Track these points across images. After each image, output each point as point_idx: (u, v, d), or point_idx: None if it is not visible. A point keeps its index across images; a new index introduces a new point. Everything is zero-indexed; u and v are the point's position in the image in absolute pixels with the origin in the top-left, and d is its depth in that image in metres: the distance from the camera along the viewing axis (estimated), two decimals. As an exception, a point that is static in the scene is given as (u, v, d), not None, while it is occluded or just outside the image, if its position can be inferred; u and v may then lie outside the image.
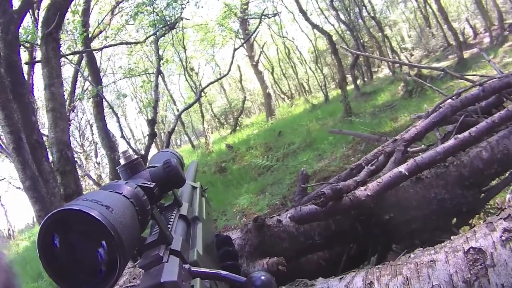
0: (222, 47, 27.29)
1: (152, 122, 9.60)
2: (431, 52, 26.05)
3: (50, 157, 6.24)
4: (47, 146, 6.13)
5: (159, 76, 12.21)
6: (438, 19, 24.50)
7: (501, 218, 1.67)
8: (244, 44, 22.54)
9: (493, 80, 3.93)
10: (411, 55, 28.11)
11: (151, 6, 12.01)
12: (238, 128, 26.92)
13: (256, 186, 10.00)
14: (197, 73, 28.56)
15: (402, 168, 2.83)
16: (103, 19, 14.63)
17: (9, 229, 25.00)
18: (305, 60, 33.07)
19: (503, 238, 1.59)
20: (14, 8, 6.25)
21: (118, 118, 12.48)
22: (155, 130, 10.39)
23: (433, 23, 27.67)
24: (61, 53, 8.42)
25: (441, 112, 3.82)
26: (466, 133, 3.03)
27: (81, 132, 25.87)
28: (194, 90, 23.49)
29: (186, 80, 23.31)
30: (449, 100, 4.08)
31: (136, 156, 1.13)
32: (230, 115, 36.20)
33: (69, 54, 11.59)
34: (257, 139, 16.50)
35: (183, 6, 12.88)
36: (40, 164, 5.45)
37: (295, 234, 2.88)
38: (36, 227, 23.52)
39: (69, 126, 7.55)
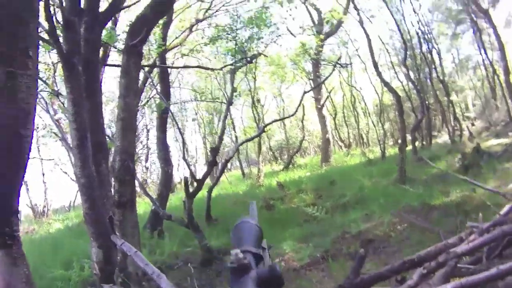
0: (291, 84, 27.49)
1: (215, 151, 9.70)
2: (493, 125, 25.14)
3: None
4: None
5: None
6: (504, 91, 24.25)
7: None
8: (312, 85, 22.55)
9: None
10: (473, 125, 27.29)
11: (232, 35, 12.23)
12: (291, 166, 26.80)
13: (300, 232, 9.96)
14: (262, 105, 28.91)
15: (449, 286, 2.99)
16: (181, 34, 14.90)
17: (44, 206, 25.53)
18: (368, 112, 32.66)
19: None
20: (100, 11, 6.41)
21: (184, 141, 12.72)
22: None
23: (499, 95, 27.10)
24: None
25: (493, 234, 3.84)
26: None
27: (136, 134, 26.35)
28: (257, 121, 23.62)
29: (253, 112, 23.32)
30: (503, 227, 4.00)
31: (245, 261, 1.15)
32: (286, 151, 36.28)
33: (147, 66, 11.83)
34: (309, 183, 16.20)
35: (266, 43, 13.07)
36: (99, 165, 5.56)
37: None
38: (72, 212, 24.20)
39: (135, 138, 7.68)
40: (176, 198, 17.79)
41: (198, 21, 14.93)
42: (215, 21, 15.71)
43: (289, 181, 18.63)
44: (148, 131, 27.77)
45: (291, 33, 19.80)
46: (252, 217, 1.49)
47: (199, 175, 12.79)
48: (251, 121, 31.28)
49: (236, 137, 29.15)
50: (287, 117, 24.49)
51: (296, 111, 17.86)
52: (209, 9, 14.69)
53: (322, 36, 21.03)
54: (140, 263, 4.04)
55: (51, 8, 5.56)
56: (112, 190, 6.17)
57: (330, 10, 22.01)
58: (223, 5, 14.72)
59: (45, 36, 6.58)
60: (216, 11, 14.84)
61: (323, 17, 25.25)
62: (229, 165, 41.66)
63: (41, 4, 5.97)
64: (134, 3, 9.85)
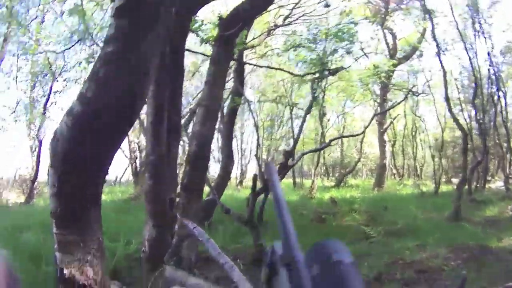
0: (357, 104, 27.36)
1: (289, 154, 9.81)
2: None
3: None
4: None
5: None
6: None
7: None
8: (379, 109, 22.40)
9: None
10: None
11: (315, 44, 12.31)
12: (342, 184, 26.93)
13: (353, 250, 9.80)
14: (328, 120, 28.94)
15: None
16: (259, 35, 15.08)
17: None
18: (429, 145, 32.09)
19: None
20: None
21: (258, 138, 12.86)
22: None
23: None
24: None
25: None
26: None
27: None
28: (319, 134, 23.71)
29: (321, 124, 23.39)
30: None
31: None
32: (338, 169, 36.08)
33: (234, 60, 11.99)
34: (361, 204, 16.26)
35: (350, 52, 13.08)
36: (171, 146, 5.71)
37: None
38: (117, 187, 25.27)
39: (215, 127, 7.80)
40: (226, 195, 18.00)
41: (276, 26, 15.16)
42: (293, 28, 15.99)
43: (341, 198, 18.67)
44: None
45: (365, 54, 19.72)
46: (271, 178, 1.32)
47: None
48: (311, 133, 31.33)
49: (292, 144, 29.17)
50: (354, 135, 24.47)
51: (364, 131, 18.59)
52: (288, 16, 14.85)
53: (395, 62, 20.93)
54: (212, 251, 4.12)
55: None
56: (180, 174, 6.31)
57: (406, 36, 22.00)
58: (303, 15, 14.97)
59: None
60: (296, 19, 15.02)
61: (397, 43, 25.22)
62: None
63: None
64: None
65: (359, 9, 15.10)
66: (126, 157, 25.39)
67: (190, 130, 11.34)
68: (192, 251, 5.92)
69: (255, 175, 9.47)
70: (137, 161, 23.60)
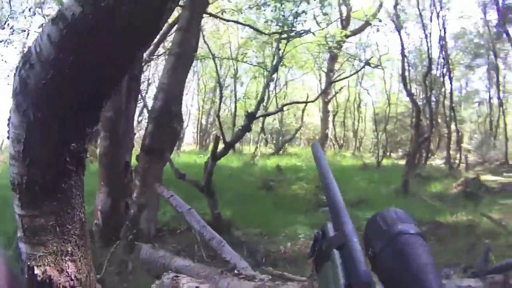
0: (307, 72, 27.31)
1: (252, 116, 9.08)
2: (487, 162, 25.33)
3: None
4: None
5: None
6: (507, 134, 25.19)
7: None
8: (324, 79, 22.50)
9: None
10: (467, 157, 27.58)
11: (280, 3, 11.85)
12: (281, 152, 27.04)
13: (309, 220, 9.94)
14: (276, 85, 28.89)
15: None
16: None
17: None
18: (373, 119, 32.62)
19: None
20: None
21: (221, 95, 12.38)
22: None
23: (499, 135, 27.90)
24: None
25: None
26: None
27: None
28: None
29: (267, 88, 23.01)
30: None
31: None
32: (276, 136, 36.17)
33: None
34: (307, 173, 16.08)
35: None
36: (128, 100, 5.00)
37: None
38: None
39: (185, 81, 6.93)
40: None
41: None
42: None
43: (285, 166, 18.62)
44: (148, 82, 26.69)
45: (317, 23, 19.40)
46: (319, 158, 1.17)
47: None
48: (251, 97, 31.09)
49: (235, 107, 28.99)
50: (307, 102, 24.15)
51: (317, 98, 18.91)
52: None
53: (347, 32, 20.64)
54: (195, 224, 3.46)
55: None
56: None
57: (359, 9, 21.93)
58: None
59: None
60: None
61: (351, 15, 25.18)
62: (213, 139, 41.62)
63: None
64: None
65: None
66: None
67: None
68: (151, 223, 5.20)
69: (217, 137, 8.74)
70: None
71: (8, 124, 1.69)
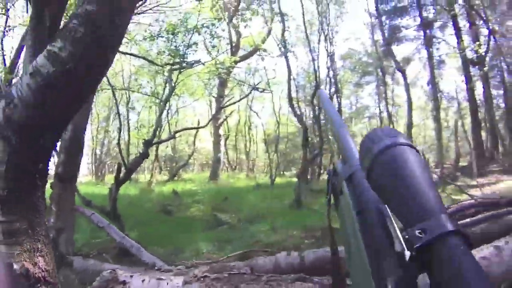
0: (198, 99, 27.67)
1: (148, 143, 9.53)
2: None
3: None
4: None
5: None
6: None
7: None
8: (214, 105, 23.02)
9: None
10: None
11: (173, 36, 12.20)
12: (176, 178, 27.27)
13: (210, 237, 10.18)
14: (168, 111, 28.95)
15: None
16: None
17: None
18: (264, 140, 33.38)
19: None
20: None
21: (121, 125, 12.51)
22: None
23: None
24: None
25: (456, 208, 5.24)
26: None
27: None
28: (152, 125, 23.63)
29: (160, 116, 23.06)
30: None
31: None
32: (170, 163, 36.15)
33: None
34: (202, 196, 16.65)
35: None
36: None
37: None
38: None
39: (89, 113, 7.30)
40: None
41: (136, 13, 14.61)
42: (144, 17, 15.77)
43: (181, 191, 18.90)
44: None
45: (207, 49, 19.92)
46: (325, 102, 1.27)
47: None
48: (144, 126, 30.96)
49: (129, 136, 28.73)
50: (198, 128, 24.41)
51: (208, 123, 18.96)
52: (141, 5, 14.57)
53: (237, 58, 21.49)
54: (115, 236, 3.91)
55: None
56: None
57: (248, 35, 22.74)
58: (158, 5, 14.69)
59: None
60: (151, 8, 14.72)
61: (241, 41, 25.93)
62: (108, 169, 40.70)
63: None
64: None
65: (208, 3, 15.17)
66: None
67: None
68: (69, 245, 5.50)
69: (119, 163, 9.18)
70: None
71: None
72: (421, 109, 35.16)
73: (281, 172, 31.10)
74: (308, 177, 23.11)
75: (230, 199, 16.34)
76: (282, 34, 22.18)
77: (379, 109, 33.10)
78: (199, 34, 12.34)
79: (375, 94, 34.64)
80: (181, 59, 11.91)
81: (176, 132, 15.01)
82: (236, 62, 20.80)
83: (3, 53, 10.46)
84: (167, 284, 2.26)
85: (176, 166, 32.29)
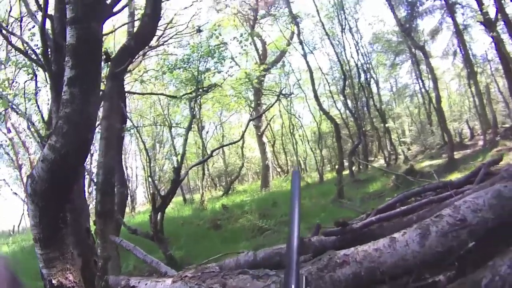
0: (233, 113, 28.17)
1: (178, 170, 10.55)
2: (428, 148, 26.63)
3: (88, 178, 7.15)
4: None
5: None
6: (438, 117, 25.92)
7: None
8: (254, 114, 23.51)
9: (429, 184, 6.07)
10: (409, 149, 28.96)
11: (189, 65, 12.95)
12: (230, 192, 27.49)
13: (251, 245, 10.58)
14: (207, 132, 29.72)
15: (374, 218, 4.67)
16: (135, 60, 15.58)
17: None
18: (307, 139, 33.87)
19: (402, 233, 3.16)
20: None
21: (149, 158, 13.35)
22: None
23: (435, 120, 28.56)
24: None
25: (398, 197, 5.84)
26: (408, 206, 4.94)
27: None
28: (201, 147, 24.44)
29: (201, 137, 24.01)
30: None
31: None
32: (225, 177, 36.91)
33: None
34: (251, 205, 17.15)
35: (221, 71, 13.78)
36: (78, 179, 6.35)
37: (318, 247, 4.41)
38: (18, 236, 23.90)
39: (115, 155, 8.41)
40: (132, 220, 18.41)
41: (151, 47, 15.39)
42: (167, 48, 16.61)
43: (231, 204, 19.52)
44: (91, 155, 27.73)
45: (236, 63, 20.77)
46: (294, 185, 1.45)
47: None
48: (191, 147, 31.91)
49: (177, 161, 29.61)
50: (233, 143, 25.25)
51: (242, 137, 18.83)
52: (161, 36, 15.34)
53: (265, 66, 22.03)
54: (139, 255, 4.96)
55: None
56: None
57: (274, 41, 23.35)
58: (176, 34, 15.62)
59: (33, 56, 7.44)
60: (168, 39, 15.69)
61: (267, 48, 26.55)
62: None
63: (36, 27, 6.76)
64: (112, 32, 10.58)
65: (229, 19, 15.79)
66: (23, 200, 24.69)
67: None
68: (115, 272, 6.53)
69: (153, 193, 10.17)
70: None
71: (28, 210, 3.45)
72: (458, 77, 34.48)
73: (334, 167, 30.57)
74: (354, 168, 23.60)
75: (279, 203, 16.68)
76: (298, 36, 22.65)
77: (419, 86, 32.35)
78: (213, 58, 12.83)
79: (412, 71, 34.11)
80: (196, 87, 12.66)
81: (213, 150, 15.59)
82: (265, 69, 21.51)
83: (40, 110, 11.97)
84: (161, 284, 3.26)
85: (230, 180, 32.56)
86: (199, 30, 13.84)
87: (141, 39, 7.80)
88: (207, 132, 30.05)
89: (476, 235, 3.20)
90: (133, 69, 15.17)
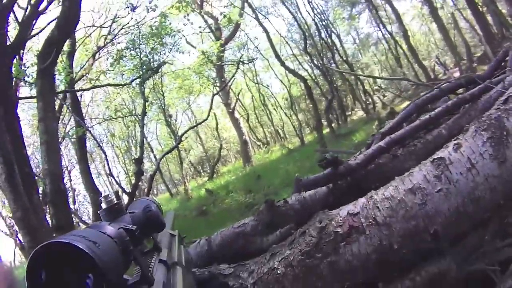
0: (198, 95, 27.50)
1: (139, 161, 9.75)
2: (403, 91, 26.37)
3: (41, 189, 6.36)
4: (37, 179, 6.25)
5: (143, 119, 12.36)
6: (409, 58, 26.35)
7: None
8: (220, 92, 23.12)
9: (447, 83, 4.79)
10: (384, 96, 28.70)
11: (135, 50, 12.27)
12: (215, 175, 26.95)
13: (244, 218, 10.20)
14: (175, 120, 28.95)
15: (381, 143, 3.60)
16: (86, 63, 14.89)
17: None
18: (280, 106, 33.24)
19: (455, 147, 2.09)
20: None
21: (105, 154, 12.68)
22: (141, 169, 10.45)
23: (404, 63, 28.94)
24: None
25: (407, 110, 4.55)
26: (426, 116, 3.81)
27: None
28: (172, 137, 23.79)
29: (168, 125, 23.30)
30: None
31: (117, 201, 1.18)
32: (207, 163, 36.30)
33: (59, 92, 11.48)
34: (236, 183, 16.88)
35: (168, 51, 13.14)
36: (31, 196, 5.53)
37: (300, 210, 3.23)
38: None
39: (61, 159, 7.62)
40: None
41: (99, 48, 15.08)
42: (119, 45, 15.73)
43: (216, 187, 19.07)
44: (69, 172, 26.78)
45: (191, 45, 19.99)
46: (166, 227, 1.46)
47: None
48: (167, 139, 31.15)
49: (155, 157, 28.99)
50: (201, 123, 24.47)
51: (209, 115, 18.09)
52: (108, 34, 14.86)
53: (221, 41, 21.57)
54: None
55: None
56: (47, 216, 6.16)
57: (225, 15, 22.65)
58: (122, 28, 14.82)
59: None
60: (115, 35, 14.98)
61: (220, 23, 25.81)
62: (155, 190, 41.09)
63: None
64: (41, 31, 9.89)
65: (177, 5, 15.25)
66: (7, 235, 23.62)
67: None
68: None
69: (116, 191, 9.38)
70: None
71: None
72: (419, 17, 34.54)
73: (314, 128, 30.21)
74: (333, 124, 23.02)
75: (263, 176, 16.27)
76: (249, 5, 22.09)
77: (381, 32, 31.50)
78: (157, 37, 12.38)
79: (371, 19, 33.70)
80: (146, 69, 11.95)
81: (181, 135, 14.95)
82: (222, 45, 21.14)
83: None
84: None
85: (211, 164, 32.06)
86: (133, 8, 12.87)
87: (64, 26, 6.92)
88: (175, 120, 29.09)
89: None
90: (87, 72, 14.91)
